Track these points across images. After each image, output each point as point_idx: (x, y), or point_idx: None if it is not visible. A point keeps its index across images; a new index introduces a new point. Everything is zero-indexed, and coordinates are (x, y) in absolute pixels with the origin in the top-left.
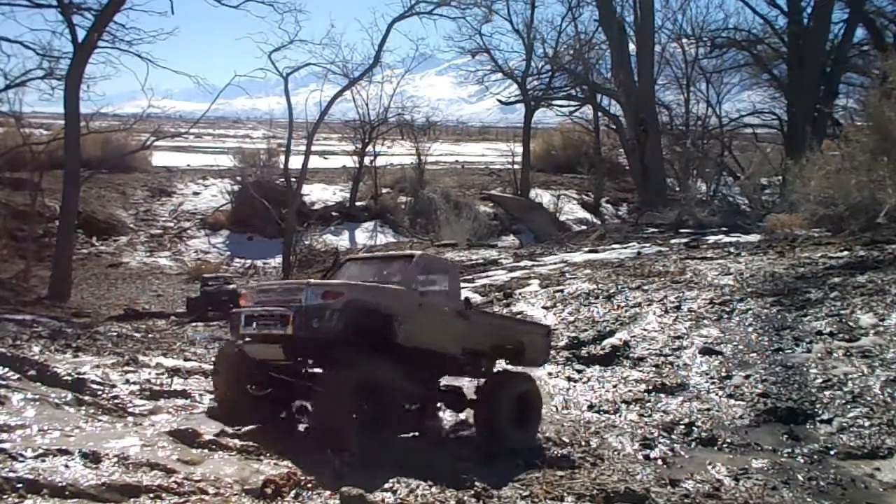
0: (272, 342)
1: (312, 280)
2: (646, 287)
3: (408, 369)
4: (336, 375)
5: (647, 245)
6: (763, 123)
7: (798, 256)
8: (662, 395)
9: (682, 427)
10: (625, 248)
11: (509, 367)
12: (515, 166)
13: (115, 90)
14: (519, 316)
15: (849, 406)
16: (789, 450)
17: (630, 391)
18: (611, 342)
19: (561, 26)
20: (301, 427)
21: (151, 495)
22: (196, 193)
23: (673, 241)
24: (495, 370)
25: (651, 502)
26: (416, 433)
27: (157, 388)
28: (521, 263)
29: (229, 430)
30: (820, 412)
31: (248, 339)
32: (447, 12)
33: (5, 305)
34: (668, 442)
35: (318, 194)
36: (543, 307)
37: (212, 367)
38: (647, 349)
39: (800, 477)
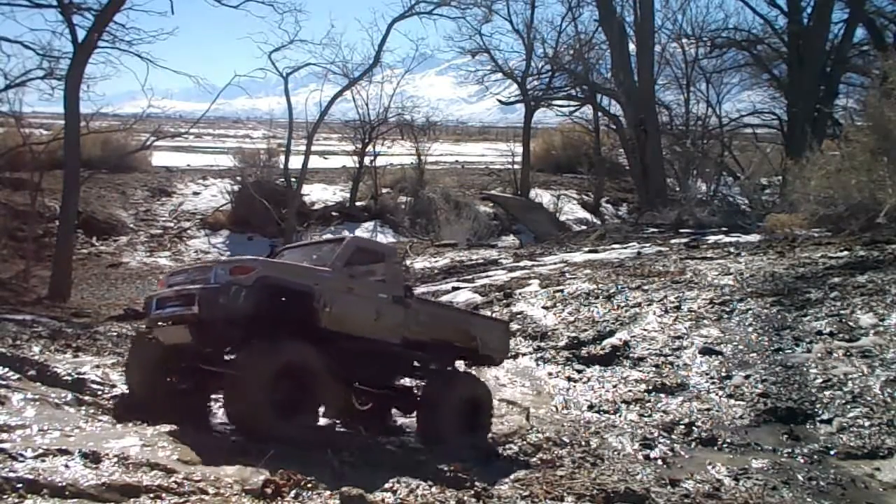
0: (179, 324)
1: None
2: (646, 287)
3: (351, 364)
4: (251, 359)
5: (647, 245)
6: (763, 123)
7: (798, 256)
8: (662, 395)
9: (682, 427)
10: (625, 248)
11: (466, 367)
12: (515, 166)
13: (115, 90)
14: (518, 316)
15: (849, 406)
16: (789, 450)
17: (630, 391)
18: (611, 342)
19: (561, 26)
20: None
21: (151, 495)
22: (196, 193)
23: (673, 241)
24: (448, 370)
25: (651, 502)
26: (367, 430)
27: None
28: (521, 263)
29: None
30: (820, 412)
31: (160, 323)
32: (447, 12)
33: (5, 305)
34: (668, 442)
35: (318, 194)
36: (543, 307)
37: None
38: (647, 349)
39: (800, 477)
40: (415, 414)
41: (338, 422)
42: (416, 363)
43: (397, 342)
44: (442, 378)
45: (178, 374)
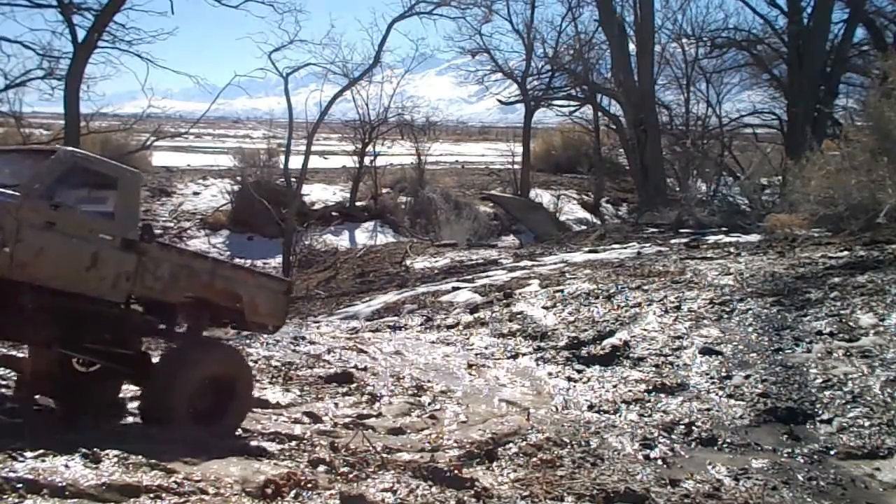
0: None
1: None
2: (646, 287)
3: (46, 326)
4: None
5: (647, 245)
6: (763, 123)
7: (798, 256)
8: (662, 395)
9: (682, 427)
10: (625, 248)
11: (231, 333)
12: (515, 166)
13: (115, 90)
14: (518, 316)
15: (849, 406)
16: (789, 450)
17: (630, 391)
18: (611, 342)
19: (561, 26)
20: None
21: (151, 495)
22: (196, 193)
23: (673, 241)
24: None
25: (651, 502)
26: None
27: None
28: (521, 263)
29: None
30: (820, 412)
31: None
32: (447, 12)
33: None
34: (668, 442)
35: (318, 194)
36: (543, 307)
37: None
38: (647, 349)
39: (800, 477)
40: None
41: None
42: (161, 325)
43: (121, 300)
44: (183, 346)
45: None
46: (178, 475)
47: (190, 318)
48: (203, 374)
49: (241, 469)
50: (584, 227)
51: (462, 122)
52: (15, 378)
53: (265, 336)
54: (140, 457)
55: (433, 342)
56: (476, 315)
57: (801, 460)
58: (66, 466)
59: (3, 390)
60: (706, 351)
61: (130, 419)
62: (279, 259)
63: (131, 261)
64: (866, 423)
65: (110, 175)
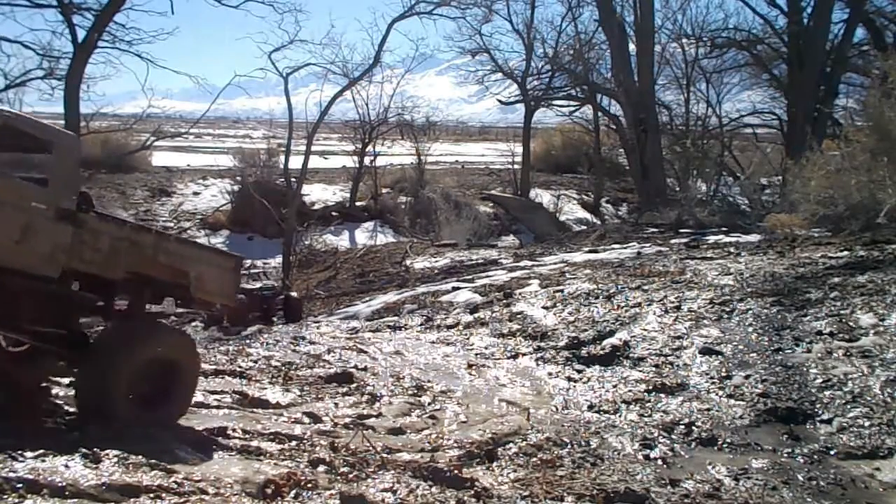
0: None
1: None
2: (646, 287)
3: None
4: None
5: (647, 245)
6: (763, 123)
7: (798, 256)
8: (662, 395)
9: (682, 427)
10: (625, 248)
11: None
12: (515, 166)
13: (115, 90)
14: (518, 316)
15: (849, 406)
16: (789, 450)
17: (630, 391)
18: (611, 342)
19: (561, 26)
20: None
21: (151, 495)
22: (196, 193)
23: (673, 241)
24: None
25: (651, 502)
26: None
27: None
28: (521, 263)
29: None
30: (820, 412)
31: None
32: (447, 12)
33: None
34: (668, 442)
35: (318, 194)
36: (543, 307)
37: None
38: (647, 349)
39: (800, 477)
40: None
41: None
42: (100, 303)
43: (55, 275)
44: (122, 326)
45: None
46: (178, 475)
47: (132, 296)
48: (144, 356)
49: (242, 469)
50: (584, 227)
51: (462, 122)
52: None
53: (265, 336)
54: (140, 457)
55: (433, 342)
56: (476, 315)
57: (801, 460)
58: (66, 466)
59: None
60: (706, 351)
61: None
62: (279, 259)
63: (67, 232)
64: (866, 423)
65: (45, 138)
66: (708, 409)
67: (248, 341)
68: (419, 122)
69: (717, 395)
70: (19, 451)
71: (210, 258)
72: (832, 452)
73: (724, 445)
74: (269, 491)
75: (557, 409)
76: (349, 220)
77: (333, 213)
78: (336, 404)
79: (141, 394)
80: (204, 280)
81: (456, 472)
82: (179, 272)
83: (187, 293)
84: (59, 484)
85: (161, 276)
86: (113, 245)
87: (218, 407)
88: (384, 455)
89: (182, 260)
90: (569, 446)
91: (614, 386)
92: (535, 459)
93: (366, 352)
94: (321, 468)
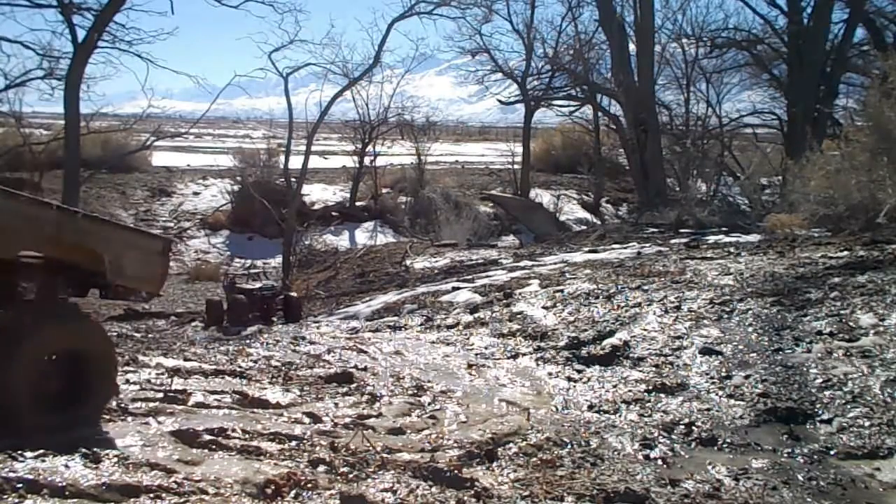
0: None
1: None
2: (646, 287)
3: None
4: None
5: (647, 245)
6: (763, 123)
7: (798, 256)
8: (662, 395)
9: (682, 427)
10: (625, 248)
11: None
12: (515, 166)
13: (115, 90)
14: (518, 316)
15: (849, 406)
16: (789, 450)
17: (630, 391)
18: (611, 342)
19: (561, 26)
20: None
21: (151, 495)
22: (196, 193)
23: (673, 241)
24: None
25: (651, 502)
26: None
27: (158, 387)
28: (521, 263)
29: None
30: (820, 412)
31: None
32: (447, 12)
33: None
34: (668, 442)
35: (318, 194)
36: (543, 307)
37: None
38: (647, 349)
39: (800, 477)
40: None
41: None
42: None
43: None
44: (20, 316)
45: None
46: (178, 475)
47: (37, 281)
48: (48, 348)
49: (241, 469)
50: (584, 227)
51: (462, 122)
52: None
53: (265, 336)
54: (140, 457)
55: (433, 342)
56: (476, 315)
57: (801, 460)
58: (66, 466)
59: None
60: (706, 351)
61: None
62: (279, 259)
63: None
64: (866, 423)
65: None
66: (708, 409)
67: (248, 341)
68: (419, 122)
69: (717, 395)
70: (19, 451)
71: (131, 239)
72: (832, 452)
73: (724, 445)
74: (269, 491)
75: (557, 409)
76: (349, 220)
77: (333, 213)
78: (336, 404)
79: (54, 391)
80: (123, 264)
81: (456, 472)
82: (92, 255)
83: (104, 279)
84: (59, 484)
85: (69, 259)
86: (4, 222)
87: (218, 407)
88: (384, 455)
89: (95, 240)
90: (569, 446)
91: (614, 386)
92: (535, 459)
93: (366, 352)
94: (321, 468)
